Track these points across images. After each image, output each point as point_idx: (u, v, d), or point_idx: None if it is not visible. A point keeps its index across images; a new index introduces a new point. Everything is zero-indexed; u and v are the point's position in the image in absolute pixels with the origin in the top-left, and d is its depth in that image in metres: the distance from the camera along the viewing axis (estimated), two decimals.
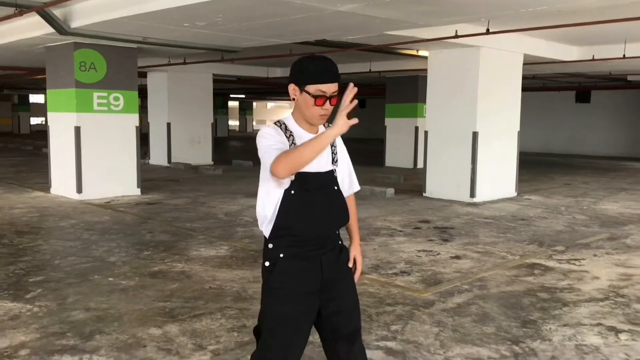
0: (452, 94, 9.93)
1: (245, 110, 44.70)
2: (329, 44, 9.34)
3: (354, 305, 2.50)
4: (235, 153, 20.46)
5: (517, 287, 5.12)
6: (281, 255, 2.34)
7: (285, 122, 2.37)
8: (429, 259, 6.07)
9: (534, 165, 17.14)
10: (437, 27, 8.08)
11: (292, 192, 2.33)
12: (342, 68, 14.68)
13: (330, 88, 2.28)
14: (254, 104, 47.50)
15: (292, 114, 2.41)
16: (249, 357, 2.60)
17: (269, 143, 2.26)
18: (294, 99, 2.33)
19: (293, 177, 2.32)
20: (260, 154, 2.28)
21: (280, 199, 2.33)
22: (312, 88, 2.27)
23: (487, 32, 7.75)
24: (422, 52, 10.90)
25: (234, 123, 45.98)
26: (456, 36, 8.08)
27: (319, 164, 2.37)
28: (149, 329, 4.06)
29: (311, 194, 2.36)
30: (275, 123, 2.38)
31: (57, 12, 7.83)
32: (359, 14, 6.31)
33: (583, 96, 23.07)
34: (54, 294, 4.80)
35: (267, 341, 2.39)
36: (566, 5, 6.14)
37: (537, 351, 3.75)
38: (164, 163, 15.59)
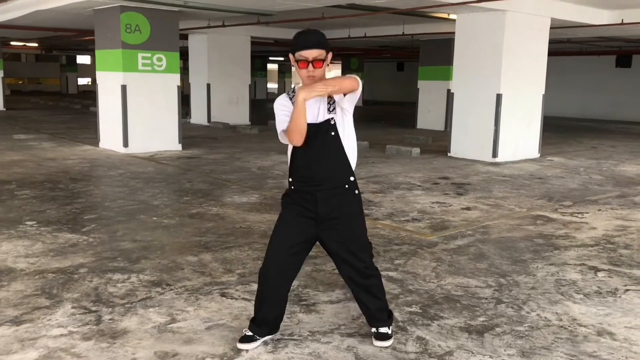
0: (478, 56, 10.25)
1: (284, 73, 45.08)
2: (359, 7, 9.74)
3: (351, 238, 3.11)
4: (272, 114, 21.06)
5: (516, 234, 5.63)
6: (292, 187, 3.07)
7: (294, 89, 3.00)
8: (441, 209, 6.60)
9: (566, 129, 17.28)
10: None
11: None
12: (376, 31, 15.07)
13: (311, 54, 2.86)
14: (293, 67, 47.84)
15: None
16: None
17: (279, 117, 2.98)
18: (293, 66, 3.01)
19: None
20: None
21: (291, 147, 3.05)
22: (297, 55, 2.89)
23: None
24: (453, 16, 11.17)
25: (273, 86, 46.51)
26: (479, 0, 8.40)
27: (314, 116, 2.97)
28: (186, 256, 4.75)
29: (310, 142, 2.96)
30: (289, 92, 3.05)
31: None
32: None
33: (624, 61, 22.72)
34: (106, 228, 5.54)
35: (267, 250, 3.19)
36: None
37: (520, 283, 4.29)
38: (204, 122, 16.32)
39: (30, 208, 6.25)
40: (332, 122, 3.00)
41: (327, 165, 3.01)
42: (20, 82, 39.30)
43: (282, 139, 3.01)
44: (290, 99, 2.99)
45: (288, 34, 16.78)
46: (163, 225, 5.69)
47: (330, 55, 2.95)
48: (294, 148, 3.01)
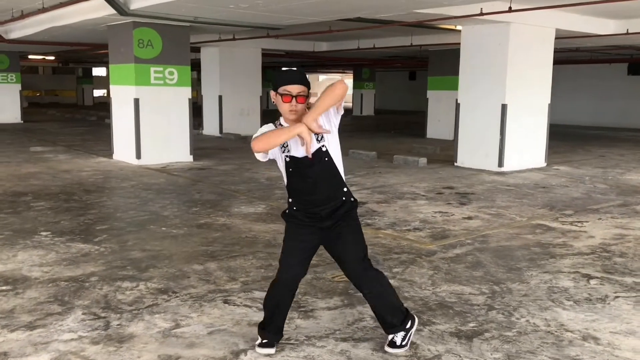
0: (483, 67, 10.40)
1: None
2: (366, 20, 9.94)
3: (351, 242, 3.31)
4: None
5: (514, 243, 5.76)
6: (294, 207, 3.27)
7: (281, 121, 3.19)
8: (443, 218, 6.75)
9: (575, 137, 17.33)
10: (464, 5, 8.59)
11: (290, 169, 3.19)
12: (384, 42, 15.30)
13: (295, 89, 3.05)
14: (273, 102, 48.15)
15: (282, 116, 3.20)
16: None
17: (260, 131, 3.13)
18: (274, 102, 3.13)
19: (269, 157, 3.19)
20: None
21: (285, 175, 3.22)
22: (281, 89, 3.06)
23: (510, 10, 8.22)
24: (459, 27, 11.34)
25: None
26: (481, 14, 8.57)
27: (304, 151, 3.12)
28: (192, 265, 4.95)
29: (304, 170, 3.17)
30: (275, 122, 3.21)
31: None
32: None
33: (635, 68, 22.68)
34: (117, 238, 5.77)
35: (280, 257, 3.36)
36: None
37: (513, 290, 4.43)
38: (216, 133, 16.60)
39: (45, 219, 6.50)
40: (324, 149, 3.17)
41: (327, 187, 3.22)
42: (37, 95, 40.02)
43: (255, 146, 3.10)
44: (275, 125, 3.19)
45: (298, 45, 17.09)
46: (172, 235, 5.90)
47: (311, 93, 3.16)
48: (290, 177, 3.18)
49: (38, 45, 16.06)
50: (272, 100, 3.12)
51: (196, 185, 8.75)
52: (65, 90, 40.50)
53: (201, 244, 5.61)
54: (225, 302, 4.14)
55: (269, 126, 3.16)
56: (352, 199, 3.30)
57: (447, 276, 4.74)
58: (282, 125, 3.15)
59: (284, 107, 3.07)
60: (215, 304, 4.10)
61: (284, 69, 3.18)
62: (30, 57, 24.87)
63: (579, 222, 6.65)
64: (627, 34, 11.22)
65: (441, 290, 4.40)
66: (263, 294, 4.24)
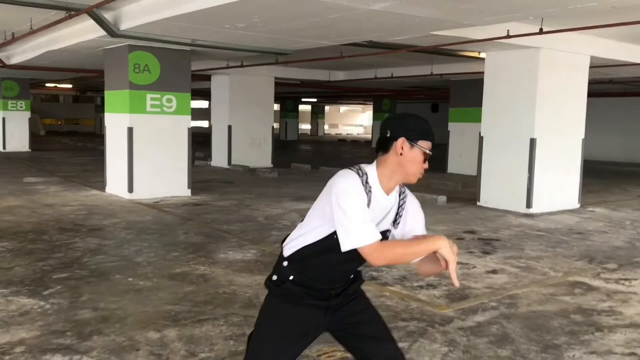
0: (510, 97, 9.42)
1: (317, 114, 44.85)
2: (379, 45, 9.08)
3: (378, 315, 2.44)
4: (299, 156, 20.49)
5: (549, 307, 4.70)
6: (291, 277, 2.28)
7: (368, 175, 2.19)
8: (462, 272, 5.71)
9: (609, 175, 16.15)
10: (488, 27, 7.67)
11: (334, 235, 2.15)
12: (403, 71, 14.44)
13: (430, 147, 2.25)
14: (327, 107, 47.59)
15: (377, 168, 2.22)
16: None
17: (358, 211, 2.09)
18: (400, 154, 2.19)
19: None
20: (345, 215, 2.07)
21: (323, 244, 2.21)
22: (424, 144, 2.21)
23: (541, 32, 7.26)
24: (483, 54, 10.41)
25: (306, 127, 46.28)
26: (508, 36, 7.62)
27: (376, 219, 2.21)
28: (148, 332, 3.99)
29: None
30: (358, 171, 2.18)
31: (107, 15, 8.01)
32: (395, 13, 6.04)
33: None
34: (71, 291, 4.84)
35: (256, 349, 2.31)
36: (621, 1, 5.62)
37: None
38: (225, 165, 15.77)
39: None
40: (387, 235, 2.30)
41: (356, 264, 2.32)
42: (59, 123, 39.93)
43: (325, 221, 2.18)
44: (365, 185, 2.15)
45: (313, 74, 16.30)
46: (136, 289, 4.96)
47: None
48: (328, 250, 2.19)
49: (45, 71, 15.50)
50: (399, 151, 2.18)
51: (185, 224, 7.83)
52: (86, 118, 40.35)
53: (167, 301, 4.66)
54: None
55: (360, 185, 2.13)
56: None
57: (465, 356, 3.70)
58: (368, 182, 2.16)
59: (418, 168, 2.22)
60: None
61: (416, 116, 2.27)
62: (47, 85, 24.53)
63: (625, 279, 5.56)
64: None
65: None
66: None
